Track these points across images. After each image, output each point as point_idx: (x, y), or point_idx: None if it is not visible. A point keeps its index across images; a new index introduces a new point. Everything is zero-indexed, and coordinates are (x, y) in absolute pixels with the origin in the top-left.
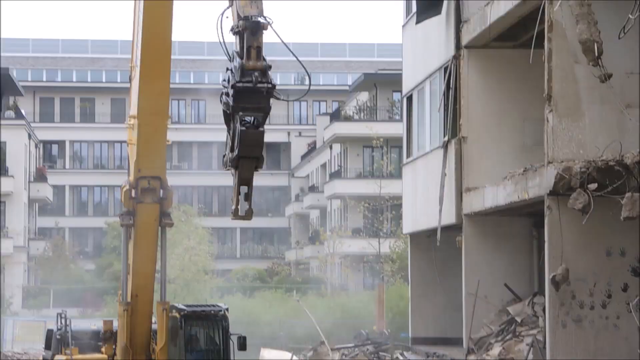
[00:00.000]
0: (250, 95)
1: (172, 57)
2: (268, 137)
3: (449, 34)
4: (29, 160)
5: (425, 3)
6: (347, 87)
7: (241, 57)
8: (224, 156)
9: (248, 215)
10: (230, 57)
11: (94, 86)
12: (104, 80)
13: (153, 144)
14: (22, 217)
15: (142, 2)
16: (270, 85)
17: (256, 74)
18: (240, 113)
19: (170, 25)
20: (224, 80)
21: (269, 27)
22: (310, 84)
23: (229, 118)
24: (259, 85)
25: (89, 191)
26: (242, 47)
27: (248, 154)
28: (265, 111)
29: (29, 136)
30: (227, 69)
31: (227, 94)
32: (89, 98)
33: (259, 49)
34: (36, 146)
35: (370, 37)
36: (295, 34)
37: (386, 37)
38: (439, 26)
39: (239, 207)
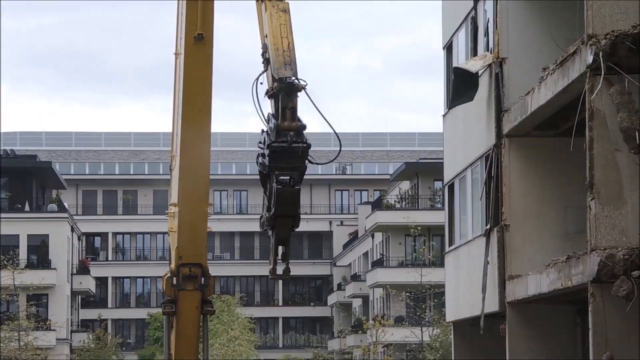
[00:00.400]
0: (286, 155)
1: (214, 148)
2: (310, 227)
3: (490, 123)
4: (72, 253)
5: (460, 90)
6: (388, 176)
7: (276, 119)
8: (260, 217)
9: (286, 273)
10: (265, 120)
11: (136, 178)
12: (146, 172)
13: (194, 231)
14: (65, 310)
15: (181, 82)
16: (305, 145)
17: (291, 134)
18: (277, 172)
19: (208, 89)
20: (260, 142)
21: (304, 89)
22: (340, 148)
23: (265, 179)
24: (294, 145)
25: (131, 283)
26: (277, 109)
27: (285, 212)
28: (301, 170)
29: (72, 229)
30: (263, 131)
31: (263, 155)
32: (131, 190)
33: (293, 110)
34: (79, 239)
35: (411, 126)
36: (337, 123)
37: (427, 127)
38: (479, 115)
39: (276, 266)
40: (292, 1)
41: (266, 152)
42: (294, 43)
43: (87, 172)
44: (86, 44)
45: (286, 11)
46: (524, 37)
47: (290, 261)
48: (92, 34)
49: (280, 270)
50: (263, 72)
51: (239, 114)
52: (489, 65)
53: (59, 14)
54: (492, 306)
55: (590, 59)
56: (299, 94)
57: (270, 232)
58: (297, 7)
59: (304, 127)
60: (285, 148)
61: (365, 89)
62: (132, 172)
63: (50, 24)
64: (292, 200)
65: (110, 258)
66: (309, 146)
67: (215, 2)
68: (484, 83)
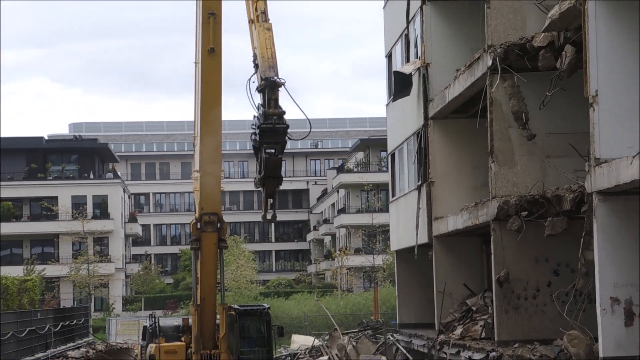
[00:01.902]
0: (271, 133)
1: (224, 131)
2: (292, 186)
3: (420, 110)
4: (124, 208)
5: (399, 87)
6: (348, 149)
7: (264, 107)
8: (254, 178)
9: (273, 218)
10: (256, 108)
11: (169, 154)
12: (175, 149)
13: (211, 190)
14: (121, 248)
15: (200, 83)
16: (285, 126)
17: (275, 118)
18: (265, 146)
19: (219, 88)
20: (253, 124)
21: (283, 85)
22: (310, 128)
23: (257, 151)
24: (277, 125)
25: (167, 228)
26: (264, 100)
27: (271, 174)
28: (283, 144)
29: (124, 190)
30: (254, 116)
31: (255, 133)
32: (165, 162)
33: (276, 100)
34: (129, 197)
35: (364, 113)
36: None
37: (376, 113)
38: (412, 104)
39: (267, 214)
40: (279, 21)
41: (257, 131)
42: (276, 52)
43: (133, 150)
44: (140, 60)
45: (270, 29)
46: (442, 47)
47: (277, 210)
48: (143, 53)
49: (269, 216)
50: (254, 74)
51: (244, 107)
52: (418, 69)
53: (121, 38)
54: (423, 239)
55: (489, 62)
56: (280, 89)
57: (261, 189)
58: (286, 25)
59: (284, 112)
60: (271, 128)
61: (335, 88)
62: (165, 150)
63: (117, 46)
64: (276, 166)
65: (151, 211)
66: (287, 126)
67: (222, 24)
68: (415, 81)
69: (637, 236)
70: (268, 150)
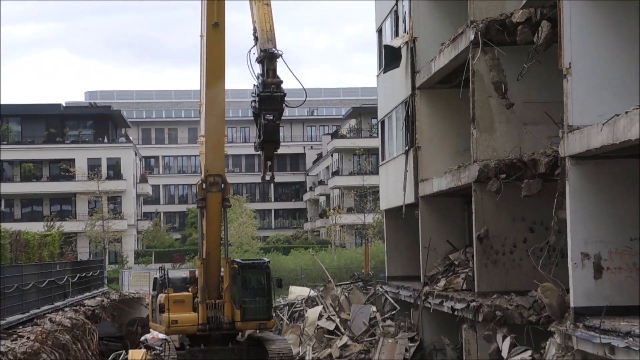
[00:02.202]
0: (270, 100)
1: (227, 99)
2: (290, 150)
3: (407, 80)
4: (136, 169)
5: (389, 60)
6: (341, 116)
7: (263, 77)
8: (255, 142)
9: (272, 179)
10: (256, 77)
11: (177, 120)
12: (183, 116)
13: (216, 153)
14: (133, 206)
15: (205, 55)
16: (282, 94)
17: (273, 86)
18: (264, 112)
19: (222, 60)
20: (253, 92)
21: (280, 57)
22: (306, 97)
23: (256, 117)
24: (275, 94)
25: (175, 188)
26: (263, 70)
27: (269, 139)
28: (280, 111)
29: (135, 153)
30: (254, 85)
31: (254, 101)
32: (173, 128)
33: (274, 70)
34: (140, 160)
35: (357, 83)
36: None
37: (367, 83)
38: (400, 75)
39: (266, 175)
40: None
41: (256, 99)
42: (274, 26)
43: (144, 117)
44: (151, 34)
45: (268, 5)
46: (428, 23)
47: (275, 172)
48: (154, 28)
49: (268, 177)
50: (254, 46)
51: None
52: (407, 42)
53: (134, 13)
54: (410, 199)
55: (472, 36)
56: (278, 60)
57: (261, 152)
58: (284, 2)
59: (281, 82)
60: (269, 96)
61: (330, 60)
62: (173, 116)
63: (131, 21)
64: (274, 131)
65: (161, 172)
66: (285, 95)
67: (225, 1)
68: (403, 54)
69: (606, 197)
70: (267, 117)
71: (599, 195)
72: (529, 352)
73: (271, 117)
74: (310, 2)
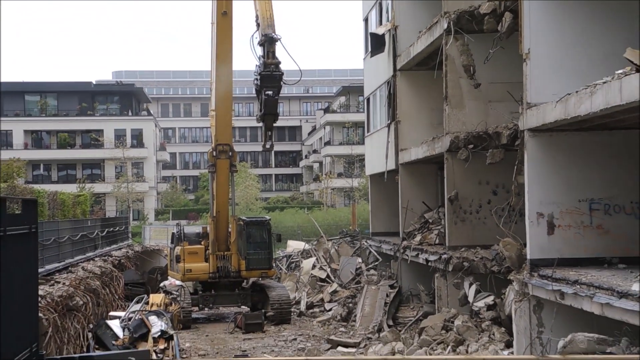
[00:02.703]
0: (269, 79)
1: (234, 78)
2: (288, 123)
3: (390, 63)
4: (156, 139)
5: (375, 46)
6: (332, 94)
7: (264, 58)
8: (257, 115)
9: (271, 148)
10: (258, 58)
11: (191, 96)
12: (196, 93)
13: (224, 125)
14: (153, 170)
15: (215, 40)
16: (281, 73)
17: (272, 66)
18: (264, 89)
19: (230, 44)
20: (255, 72)
21: (279, 40)
22: (302, 73)
23: (258, 93)
24: (275, 73)
25: (189, 155)
26: (264, 52)
27: (269, 112)
28: (279, 88)
29: (155, 125)
30: (256, 65)
31: (256, 79)
32: (188, 103)
33: (273, 52)
34: (159, 131)
35: (347, 65)
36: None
37: (354, 65)
38: (383, 58)
39: (266, 144)
40: None
41: (258, 77)
42: (273, 14)
43: (163, 93)
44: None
45: None
46: (408, 13)
47: (275, 142)
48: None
49: (268, 145)
50: (256, 31)
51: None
52: (389, 30)
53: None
54: (391, 166)
55: (445, 25)
56: (277, 43)
57: (262, 124)
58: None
59: (280, 62)
60: (269, 75)
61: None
62: (188, 93)
63: (152, 8)
64: (273, 105)
65: (177, 141)
66: (282, 74)
67: None
68: (386, 40)
69: (558, 164)
70: (267, 93)
71: (552, 163)
72: (492, 297)
73: (271, 93)
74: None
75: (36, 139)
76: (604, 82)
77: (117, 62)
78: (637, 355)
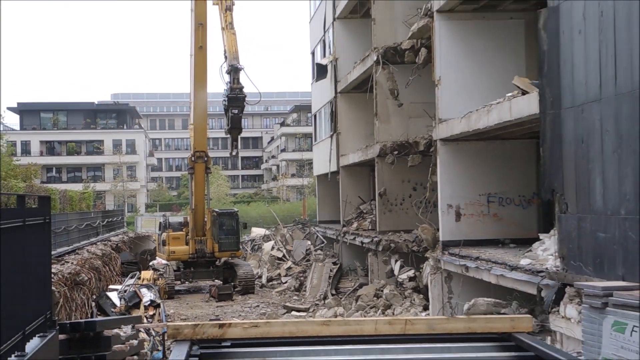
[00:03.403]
0: (235, 100)
1: (209, 99)
2: (252, 134)
3: (332, 87)
4: (146, 147)
5: (320, 73)
6: (287, 111)
7: (230, 83)
8: (225, 129)
9: (236, 155)
10: (226, 83)
11: (174, 113)
12: (178, 110)
13: (201, 135)
14: (144, 172)
15: (193, 69)
16: (244, 95)
17: (237, 90)
18: (231, 108)
19: (205, 72)
20: (223, 94)
21: (242, 69)
22: (260, 95)
23: (226, 111)
24: (239, 95)
25: (173, 160)
26: (230, 78)
27: (235, 126)
28: (242, 107)
29: (145, 136)
30: (224, 89)
31: (224, 100)
32: (172, 118)
33: (238, 79)
34: (149, 141)
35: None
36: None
37: (304, 88)
38: (327, 83)
39: (233, 151)
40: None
41: (226, 99)
42: (238, 48)
43: (151, 111)
44: (157, 50)
45: (234, 34)
46: (346, 48)
47: (240, 149)
48: (159, 46)
49: (234, 152)
50: (224, 62)
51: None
52: (331, 61)
53: (142, 37)
54: (334, 168)
55: (375, 58)
56: (241, 72)
57: (229, 136)
58: (250, 31)
59: (243, 87)
60: (235, 96)
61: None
62: (172, 111)
63: (141, 42)
64: (238, 121)
65: (163, 149)
66: (245, 96)
67: (207, 30)
68: (329, 69)
69: (463, 166)
70: (233, 111)
71: (459, 166)
72: (412, 271)
73: (236, 112)
74: (266, 32)
75: (49, 148)
76: (498, 103)
77: (115, 85)
78: (527, 315)
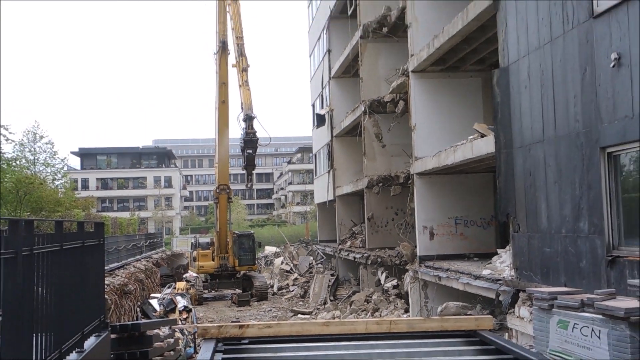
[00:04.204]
0: (250, 143)
1: (230, 143)
2: (264, 170)
3: (329, 132)
4: (180, 182)
5: (319, 121)
6: (293, 152)
7: (246, 129)
8: (242, 166)
9: (251, 187)
10: (242, 129)
11: (203, 155)
12: (206, 153)
13: (224, 172)
14: (178, 202)
15: (217, 119)
16: (257, 138)
17: (251, 135)
18: (246, 149)
19: (227, 121)
20: (240, 138)
21: (255, 118)
22: (270, 139)
23: (242, 151)
24: (253, 139)
25: (202, 192)
26: (246, 125)
27: (250, 164)
28: (256, 148)
29: (180, 173)
30: (241, 134)
31: (241, 143)
32: (200, 159)
33: (252, 126)
34: (182, 177)
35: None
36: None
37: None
38: (325, 129)
39: (249, 184)
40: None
41: (242, 142)
42: (252, 101)
43: (185, 153)
44: (188, 102)
45: (249, 90)
46: (340, 101)
47: (255, 182)
48: (190, 100)
49: (250, 185)
50: (241, 112)
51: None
52: (328, 112)
53: (176, 96)
54: (330, 197)
55: (363, 108)
56: (255, 120)
57: (245, 172)
58: (266, 85)
59: (256, 132)
60: (250, 140)
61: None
62: (200, 153)
63: (176, 99)
64: (252, 160)
65: (194, 183)
66: (258, 139)
67: (228, 87)
68: (326, 118)
69: (435, 195)
70: (248, 152)
71: (431, 194)
72: (395, 280)
73: (251, 152)
74: (276, 86)
75: (103, 183)
76: (462, 144)
77: (156, 132)
78: (489, 316)
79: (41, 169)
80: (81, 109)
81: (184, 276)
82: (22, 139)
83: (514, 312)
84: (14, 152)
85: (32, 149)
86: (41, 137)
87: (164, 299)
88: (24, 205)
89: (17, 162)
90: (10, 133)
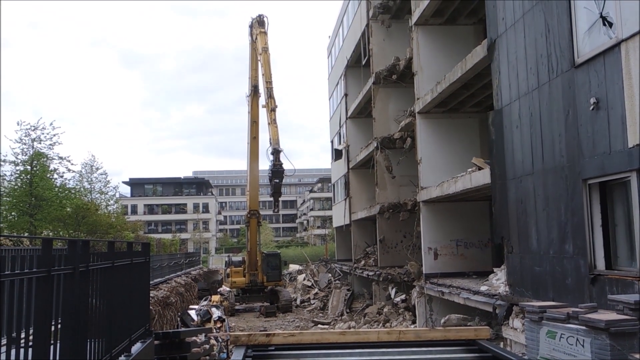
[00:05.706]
0: (277, 173)
1: (260, 174)
2: (289, 198)
3: (345, 165)
4: (216, 207)
5: (337, 155)
6: (314, 182)
7: (273, 161)
8: (270, 193)
9: (278, 211)
10: (270, 161)
11: (236, 184)
12: (239, 183)
13: (254, 199)
14: (214, 225)
15: (249, 153)
16: (283, 170)
17: (278, 166)
18: (273, 179)
19: (257, 155)
20: (268, 169)
21: (282, 151)
22: (295, 170)
23: (270, 181)
24: (279, 169)
25: (234, 216)
26: (273, 158)
27: (277, 191)
28: (282, 178)
29: (216, 200)
30: (269, 165)
31: (269, 173)
32: (234, 189)
33: (279, 158)
34: (218, 203)
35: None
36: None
37: (326, 165)
38: (342, 162)
39: (276, 209)
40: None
41: (270, 172)
42: (279, 137)
43: (220, 183)
44: (223, 140)
45: (277, 127)
46: (356, 138)
47: (281, 208)
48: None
49: (276, 210)
50: (269, 146)
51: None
52: (344, 147)
53: (217, 134)
54: (347, 222)
55: (375, 144)
56: (281, 153)
57: (273, 198)
58: (293, 127)
59: (282, 164)
60: (276, 170)
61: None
62: (234, 183)
63: (217, 137)
64: (279, 188)
65: (228, 209)
66: (284, 170)
67: (259, 125)
68: (343, 153)
69: (439, 220)
70: (275, 181)
71: (435, 219)
72: (404, 295)
73: (277, 181)
74: (299, 128)
75: (150, 209)
76: (462, 175)
77: (195, 164)
78: (486, 327)
79: (97, 196)
80: (133, 143)
81: (219, 290)
82: (81, 170)
83: (508, 323)
84: (72, 179)
85: (90, 179)
86: (97, 168)
87: (201, 310)
88: (82, 227)
89: (77, 191)
90: (71, 164)
